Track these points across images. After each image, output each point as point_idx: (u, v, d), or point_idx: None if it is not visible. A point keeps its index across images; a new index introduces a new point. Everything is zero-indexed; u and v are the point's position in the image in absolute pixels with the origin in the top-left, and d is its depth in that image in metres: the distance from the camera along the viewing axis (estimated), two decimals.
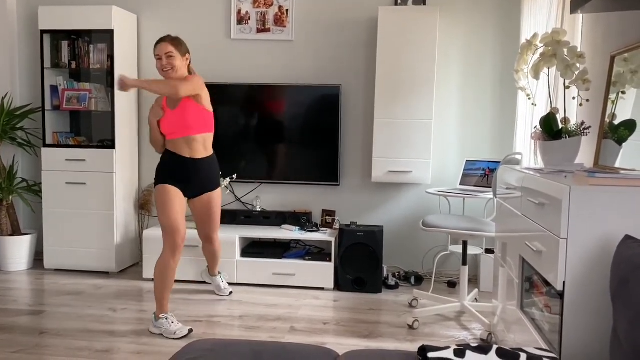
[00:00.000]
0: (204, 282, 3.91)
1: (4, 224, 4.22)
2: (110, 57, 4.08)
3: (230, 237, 3.89)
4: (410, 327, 3.16)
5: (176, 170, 3.15)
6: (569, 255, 1.68)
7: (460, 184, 3.89)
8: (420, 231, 4.20)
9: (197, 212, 3.35)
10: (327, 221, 4.19)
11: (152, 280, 3.94)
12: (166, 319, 3.00)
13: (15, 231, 4.26)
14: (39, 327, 3.08)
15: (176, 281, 3.94)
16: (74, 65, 4.21)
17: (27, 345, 2.81)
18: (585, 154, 2.70)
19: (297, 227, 4.10)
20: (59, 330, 3.04)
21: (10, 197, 4.23)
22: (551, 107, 2.54)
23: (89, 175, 4.10)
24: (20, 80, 4.54)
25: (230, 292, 3.72)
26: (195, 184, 3.22)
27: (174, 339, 2.93)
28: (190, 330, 3.00)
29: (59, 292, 3.70)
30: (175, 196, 3.12)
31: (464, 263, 3.25)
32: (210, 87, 4.13)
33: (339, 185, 4.21)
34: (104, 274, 4.16)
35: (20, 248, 4.20)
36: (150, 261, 3.95)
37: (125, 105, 4.22)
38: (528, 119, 3.36)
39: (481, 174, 3.80)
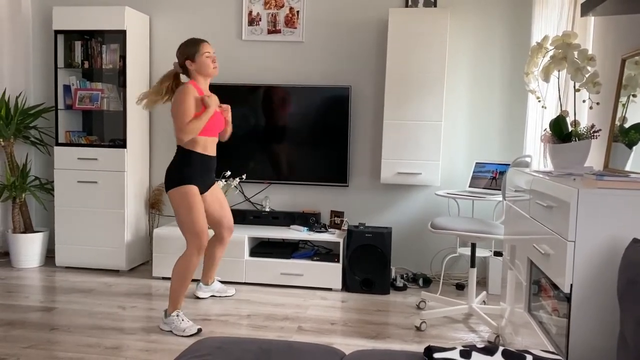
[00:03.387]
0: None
1: (16, 221, 4.27)
2: (123, 58, 4.12)
3: (239, 237, 3.91)
4: (418, 328, 3.16)
5: (203, 169, 3.18)
6: (577, 258, 1.68)
7: (470, 186, 3.89)
8: (429, 233, 4.20)
9: (212, 205, 3.35)
10: (336, 222, 4.20)
11: (164, 278, 3.99)
12: (177, 315, 3.03)
13: (28, 228, 4.32)
14: (50, 323, 3.12)
15: None
16: (86, 65, 4.26)
17: (38, 341, 2.85)
18: (595, 157, 2.70)
19: (306, 228, 4.11)
20: (69, 326, 3.07)
21: (23, 195, 4.28)
22: (561, 109, 2.54)
23: (100, 174, 4.14)
24: (34, 79, 4.59)
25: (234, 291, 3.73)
26: (211, 179, 3.32)
27: (182, 336, 2.96)
28: (200, 330, 3.02)
29: (70, 289, 3.75)
30: (199, 196, 3.15)
31: (473, 265, 3.25)
32: (221, 87, 4.19)
33: (347, 186, 4.22)
34: (114, 271, 4.20)
35: (32, 245, 4.25)
36: (160, 259, 3.99)
37: (136, 105, 4.25)
38: (538, 122, 3.35)
39: (490, 176, 3.79)
